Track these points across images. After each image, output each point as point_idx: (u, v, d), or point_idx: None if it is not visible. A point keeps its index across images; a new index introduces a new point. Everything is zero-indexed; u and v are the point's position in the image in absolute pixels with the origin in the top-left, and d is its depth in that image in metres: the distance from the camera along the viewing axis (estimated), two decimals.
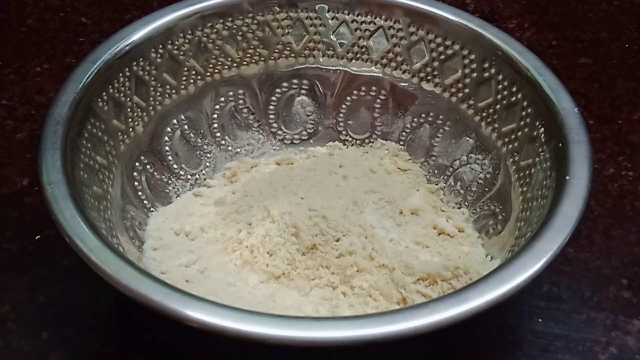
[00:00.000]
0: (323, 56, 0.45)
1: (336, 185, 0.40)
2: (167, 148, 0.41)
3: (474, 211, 0.40)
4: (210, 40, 0.42)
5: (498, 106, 0.40)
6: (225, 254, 0.37)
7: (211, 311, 0.26)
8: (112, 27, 0.55)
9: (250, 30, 0.43)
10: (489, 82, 0.40)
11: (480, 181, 0.40)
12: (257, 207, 0.38)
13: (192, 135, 0.43)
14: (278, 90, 0.45)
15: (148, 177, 0.40)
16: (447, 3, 0.43)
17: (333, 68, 0.45)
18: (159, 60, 0.40)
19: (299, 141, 0.45)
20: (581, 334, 0.36)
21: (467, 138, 0.42)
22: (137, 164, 0.40)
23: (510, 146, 0.39)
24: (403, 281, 0.35)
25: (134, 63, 0.39)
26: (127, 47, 0.39)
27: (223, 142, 0.44)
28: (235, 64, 0.44)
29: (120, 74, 0.39)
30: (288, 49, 0.44)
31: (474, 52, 0.41)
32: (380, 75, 0.44)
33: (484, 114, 0.41)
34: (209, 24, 0.42)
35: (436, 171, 0.43)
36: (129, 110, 0.39)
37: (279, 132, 0.45)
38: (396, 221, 0.39)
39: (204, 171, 0.43)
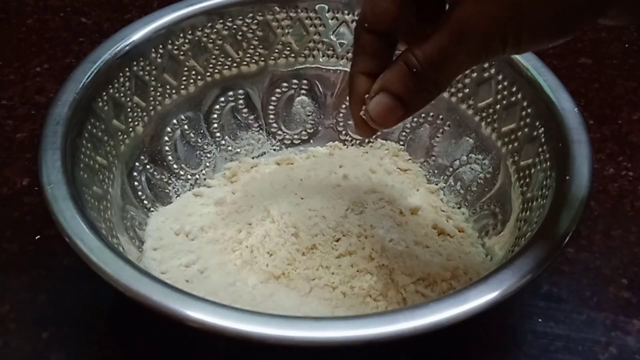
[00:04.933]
0: (323, 56, 0.44)
1: (336, 185, 0.40)
2: (167, 148, 0.41)
3: (474, 211, 0.40)
4: (210, 40, 0.42)
5: (498, 106, 0.40)
6: (225, 254, 0.37)
7: (211, 311, 0.26)
8: (112, 27, 0.55)
9: (250, 30, 0.43)
10: (489, 82, 0.40)
11: (480, 181, 0.40)
12: (257, 207, 0.38)
13: (192, 135, 0.43)
14: (278, 90, 0.45)
15: (148, 177, 0.40)
16: None
17: (333, 68, 0.45)
18: (159, 60, 0.40)
19: (299, 141, 0.45)
20: (581, 334, 0.36)
21: (467, 138, 0.42)
22: (137, 164, 0.40)
23: (510, 146, 0.39)
24: (403, 281, 0.35)
25: (134, 63, 0.39)
26: (127, 47, 0.39)
27: (223, 142, 0.44)
28: (235, 64, 0.43)
29: (120, 74, 0.39)
30: (288, 49, 0.44)
31: None
32: None
33: (484, 114, 0.41)
34: (209, 24, 0.42)
35: (436, 171, 0.43)
36: (129, 110, 0.39)
37: (279, 132, 0.45)
38: (396, 221, 0.39)
39: (204, 171, 0.43)
